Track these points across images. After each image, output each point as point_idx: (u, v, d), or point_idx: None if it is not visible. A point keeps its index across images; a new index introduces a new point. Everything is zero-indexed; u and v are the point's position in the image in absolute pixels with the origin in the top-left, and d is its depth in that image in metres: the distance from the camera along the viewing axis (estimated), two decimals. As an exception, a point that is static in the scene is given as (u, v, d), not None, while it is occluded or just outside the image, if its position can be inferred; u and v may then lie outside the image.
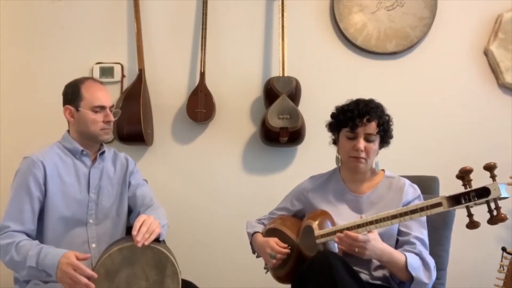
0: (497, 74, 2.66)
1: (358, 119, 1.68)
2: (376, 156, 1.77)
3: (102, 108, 1.78)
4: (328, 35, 2.72)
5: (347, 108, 1.73)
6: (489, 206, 1.42)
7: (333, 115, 1.80)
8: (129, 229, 1.72)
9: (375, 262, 1.67)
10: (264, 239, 1.82)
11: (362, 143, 1.68)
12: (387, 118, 1.74)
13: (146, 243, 1.55)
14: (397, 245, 1.68)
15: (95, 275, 1.51)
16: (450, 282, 1.94)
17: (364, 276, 1.66)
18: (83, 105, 1.77)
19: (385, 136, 1.74)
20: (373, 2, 2.68)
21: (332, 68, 2.71)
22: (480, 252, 2.60)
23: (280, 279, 1.83)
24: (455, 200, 1.43)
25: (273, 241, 1.76)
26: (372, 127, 1.69)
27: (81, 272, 1.50)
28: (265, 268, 1.92)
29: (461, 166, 1.46)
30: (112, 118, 1.80)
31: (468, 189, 1.42)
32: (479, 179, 1.43)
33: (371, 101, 1.74)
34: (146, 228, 1.55)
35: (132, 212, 1.91)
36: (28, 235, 1.68)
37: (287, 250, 1.73)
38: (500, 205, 1.40)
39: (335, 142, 1.83)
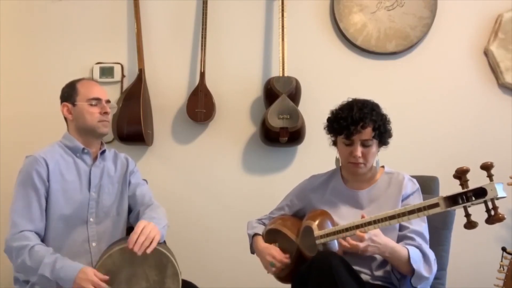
0: (497, 74, 2.66)
1: (353, 127, 1.65)
2: (377, 155, 1.77)
3: (98, 100, 1.82)
4: (328, 35, 2.72)
5: (341, 116, 1.69)
6: (486, 206, 1.42)
7: (328, 120, 1.77)
8: (129, 229, 1.72)
9: (377, 261, 1.68)
10: (265, 246, 1.82)
11: (359, 150, 1.67)
12: (383, 119, 1.71)
13: (148, 251, 1.55)
14: (397, 239, 1.68)
15: None
16: (450, 282, 1.95)
17: (365, 276, 1.67)
18: (79, 99, 1.81)
19: (382, 137, 1.71)
20: (373, 2, 2.68)
21: (332, 68, 2.71)
22: (480, 252, 2.60)
23: (281, 279, 1.84)
24: (452, 200, 1.43)
25: (275, 250, 1.77)
26: (367, 132, 1.66)
27: None
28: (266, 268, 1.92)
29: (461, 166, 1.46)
30: (108, 110, 1.83)
31: (465, 190, 1.42)
32: (479, 179, 1.43)
33: (365, 105, 1.69)
34: (144, 237, 1.55)
35: (131, 212, 1.91)
36: (38, 234, 1.69)
37: (287, 260, 1.74)
38: (497, 204, 1.41)
39: (335, 143, 1.83)
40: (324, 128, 1.82)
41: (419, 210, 1.48)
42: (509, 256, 1.95)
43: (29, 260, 1.60)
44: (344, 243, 1.57)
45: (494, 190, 1.37)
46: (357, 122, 1.65)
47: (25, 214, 1.68)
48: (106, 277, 1.55)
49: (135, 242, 1.55)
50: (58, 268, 1.57)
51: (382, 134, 1.70)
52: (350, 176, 1.80)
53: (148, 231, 1.57)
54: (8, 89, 2.69)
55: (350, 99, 1.75)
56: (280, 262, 1.74)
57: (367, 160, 1.70)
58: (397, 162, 2.01)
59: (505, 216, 1.40)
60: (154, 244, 1.57)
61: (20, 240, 1.63)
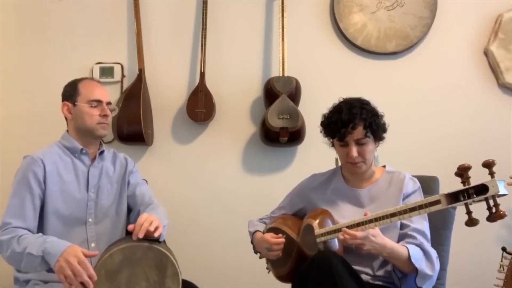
0: (497, 74, 2.67)
1: (343, 129, 1.66)
2: (375, 151, 1.77)
3: (99, 102, 1.81)
4: (328, 35, 2.72)
5: (331, 120, 1.71)
6: (488, 203, 1.42)
7: (321, 124, 1.79)
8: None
9: (378, 261, 1.68)
10: (260, 236, 1.83)
11: (354, 151, 1.67)
12: (374, 115, 1.70)
13: (156, 234, 1.54)
14: (398, 237, 1.68)
15: (95, 276, 1.50)
16: (450, 282, 1.95)
17: (365, 276, 1.67)
18: (80, 100, 1.80)
19: (376, 134, 1.71)
20: (373, 2, 2.68)
21: (332, 68, 2.71)
22: (480, 252, 2.60)
23: (282, 278, 1.84)
24: (453, 197, 1.43)
25: (268, 235, 1.77)
26: (359, 132, 1.67)
27: (84, 267, 1.48)
28: (267, 268, 1.92)
29: (460, 165, 1.46)
30: (108, 112, 1.83)
31: (467, 186, 1.42)
32: (479, 178, 1.43)
33: (353, 105, 1.69)
34: (148, 223, 1.54)
35: (132, 211, 1.91)
36: (30, 231, 1.67)
37: (282, 239, 1.73)
38: (499, 202, 1.40)
39: (333, 144, 1.83)
40: (320, 132, 1.82)
41: (420, 207, 1.48)
42: (509, 256, 1.95)
43: (18, 247, 1.57)
44: (341, 236, 1.57)
45: (495, 187, 1.37)
46: (347, 123, 1.66)
47: (18, 213, 1.67)
48: (95, 253, 1.54)
49: (140, 228, 1.52)
50: (47, 244, 1.54)
51: (375, 130, 1.70)
52: (351, 175, 1.80)
53: (150, 221, 1.56)
54: (8, 89, 2.69)
55: (341, 99, 1.76)
56: (275, 243, 1.73)
57: (365, 158, 1.70)
58: (397, 162, 2.01)
59: (506, 213, 1.40)
60: (157, 233, 1.55)
61: (8, 233, 1.62)
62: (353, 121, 1.66)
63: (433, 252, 1.63)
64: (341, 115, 1.68)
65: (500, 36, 2.64)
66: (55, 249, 1.52)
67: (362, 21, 2.67)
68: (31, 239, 1.59)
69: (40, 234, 1.64)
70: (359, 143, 1.68)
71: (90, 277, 1.48)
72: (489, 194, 1.38)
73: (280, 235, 1.75)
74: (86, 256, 1.52)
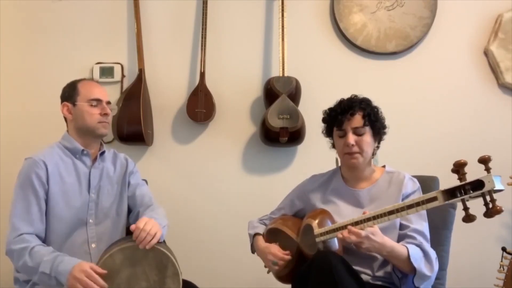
0: (497, 74, 2.66)
1: (342, 116, 1.72)
2: (374, 150, 1.77)
3: (98, 101, 1.82)
4: (328, 35, 2.72)
5: (331, 109, 1.78)
6: (484, 199, 1.41)
7: (323, 120, 1.83)
8: (129, 229, 1.73)
9: (378, 261, 1.68)
10: (266, 245, 1.83)
11: (351, 138, 1.70)
12: (373, 109, 1.75)
13: (148, 247, 1.56)
14: (398, 238, 1.68)
15: (106, 286, 1.53)
16: (450, 282, 1.95)
17: (366, 276, 1.67)
18: (80, 99, 1.81)
19: (375, 126, 1.74)
20: (373, 2, 2.68)
21: (332, 68, 2.71)
22: (480, 252, 2.60)
23: (282, 278, 1.84)
24: (450, 193, 1.43)
25: (275, 248, 1.77)
26: (357, 120, 1.71)
27: (93, 280, 1.52)
28: (265, 267, 1.92)
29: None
30: (108, 111, 1.83)
31: (463, 182, 1.42)
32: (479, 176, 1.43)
33: (354, 97, 1.78)
34: (145, 233, 1.56)
35: (131, 212, 1.91)
36: (38, 236, 1.69)
37: (288, 257, 1.74)
38: (495, 197, 1.40)
39: (334, 145, 1.83)
40: (322, 132, 1.83)
41: (417, 204, 1.48)
42: (509, 256, 1.95)
43: (30, 261, 1.60)
44: (340, 235, 1.57)
45: (491, 182, 1.36)
46: (346, 110, 1.72)
47: (25, 217, 1.68)
48: (104, 271, 1.55)
49: (137, 237, 1.56)
50: (58, 263, 1.57)
51: (374, 122, 1.73)
52: (349, 172, 1.81)
53: (149, 228, 1.58)
54: (8, 89, 2.69)
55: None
56: (282, 259, 1.74)
57: (362, 149, 1.71)
58: (397, 162, 2.01)
59: (503, 209, 1.39)
60: (154, 241, 1.57)
61: (20, 242, 1.64)
62: (352, 109, 1.72)
63: (432, 253, 1.63)
64: (341, 105, 1.75)
65: (500, 36, 2.64)
66: (64, 267, 1.56)
67: (362, 21, 2.67)
68: (43, 255, 1.61)
69: (51, 249, 1.65)
70: (357, 132, 1.71)
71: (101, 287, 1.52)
72: (485, 189, 1.38)
73: (288, 252, 1.75)
74: (96, 272, 1.54)
